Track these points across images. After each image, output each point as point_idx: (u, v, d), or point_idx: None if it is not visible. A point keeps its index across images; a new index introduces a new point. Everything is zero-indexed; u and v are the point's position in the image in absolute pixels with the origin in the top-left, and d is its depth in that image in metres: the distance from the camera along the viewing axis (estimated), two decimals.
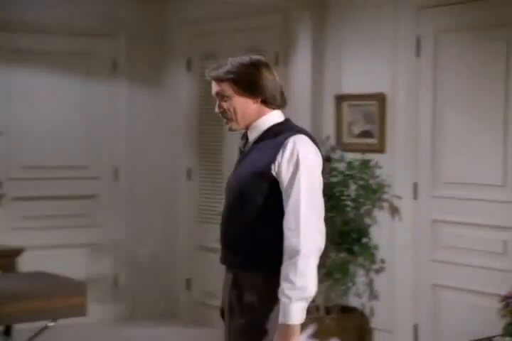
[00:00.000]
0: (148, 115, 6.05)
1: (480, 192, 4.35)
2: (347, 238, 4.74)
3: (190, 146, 5.94)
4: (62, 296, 4.39)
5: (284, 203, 2.50)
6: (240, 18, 5.50)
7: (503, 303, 3.89)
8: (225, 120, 2.64)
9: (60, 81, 5.76)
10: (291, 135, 2.56)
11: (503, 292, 3.97)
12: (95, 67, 5.85)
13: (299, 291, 2.41)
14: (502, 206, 4.26)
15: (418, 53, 4.63)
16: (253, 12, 5.37)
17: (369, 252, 4.73)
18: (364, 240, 4.77)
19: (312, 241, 2.45)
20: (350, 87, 4.96)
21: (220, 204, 5.63)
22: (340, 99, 5.00)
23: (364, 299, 4.87)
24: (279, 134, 2.58)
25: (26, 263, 5.08)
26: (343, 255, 4.76)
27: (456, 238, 4.47)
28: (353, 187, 4.79)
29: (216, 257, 6.08)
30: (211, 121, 5.76)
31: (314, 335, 1.73)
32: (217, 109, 2.64)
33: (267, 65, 2.64)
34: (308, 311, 4.97)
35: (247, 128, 2.64)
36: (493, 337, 4.00)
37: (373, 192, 4.71)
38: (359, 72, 4.90)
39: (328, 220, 4.62)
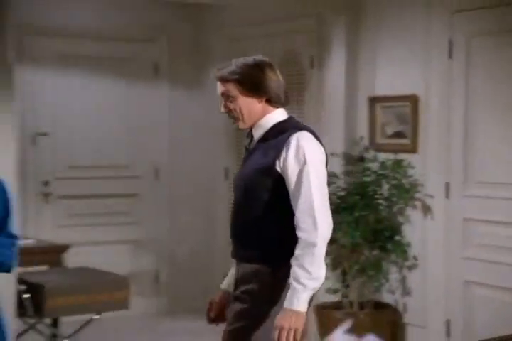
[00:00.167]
0: (189, 116, 6.07)
1: (510, 192, 4.30)
2: (380, 236, 4.71)
3: (228, 146, 5.95)
4: (106, 291, 4.42)
5: (293, 199, 2.51)
6: (275, 22, 5.49)
7: None
8: (231, 119, 2.63)
9: (104, 84, 5.80)
10: (295, 132, 2.55)
11: None
12: (138, 71, 5.88)
13: (314, 281, 2.45)
14: None
15: (450, 56, 4.58)
16: (289, 16, 5.36)
17: (402, 249, 4.70)
18: (397, 238, 4.74)
19: (326, 233, 2.50)
20: (383, 89, 4.93)
21: None
22: (373, 100, 4.97)
23: (397, 295, 4.84)
24: (282, 132, 2.57)
25: (72, 259, 5.12)
26: (376, 252, 4.74)
27: (486, 236, 4.43)
28: (386, 186, 4.76)
29: None
30: None
31: (350, 330, 1.71)
32: (222, 109, 2.63)
33: (270, 66, 2.63)
34: (342, 307, 4.97)
35: (252, 126, 2.63)
36: None
37: (406, 192, 4.68)
38: (392, 74, 4.87)
39: (361, 218, 4.63)
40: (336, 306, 4.78)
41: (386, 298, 4.88)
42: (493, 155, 4.40)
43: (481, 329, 4.44)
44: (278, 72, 2.65)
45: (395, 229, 4.76)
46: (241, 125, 2.63)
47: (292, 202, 2.51)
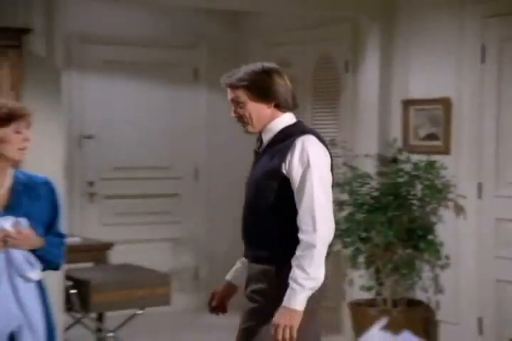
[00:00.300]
0: (226, 119, 6.04)
1: None
2: (413, 235, 4.69)
3: None
4: (148, 287, 4.45)
5: (297, 200, 2.51)
6: (311, 29, 5.49)
7: None
8: (241, 124, 2.63)
9: (145, 89, 5.85)
10: (301, 136, 2.55)
11: None
12: (179, 76, 5.92)
13: (312, 281, 2.46)
14: None
15: (483, 60, 4.55)
16: (324, 22, 5.36)
17: (434, 248, 4.67)
18: (429, 237, 4.71)
19: (326, 236, 2.49)
20: (416, 92, 4.90)
21: None
22: (407, 103, 4.95)
23: (430, 293, 4.81)
24: (290, 136, 2.57)
25: (116, 256, 5.16)
26: (409, 251, 4.72)
27: None
28: (419, 187, 4.73)
29: None
30: None
31: (385, 327, 1.71)
32: (232, 114, 2.63)
33: (278, 71, 2.62)
34: (376, 304, 4.95)
35: (261, 130, 2.63)
36: None
37: (439, 192, 4.65)
38: (425, 78, 4.85)
39: (395, 218, 4.61)
40: (370, 303, 4.77)
41: (419, 295, 4.86)
42: None
43: None
44: (286, 77, 2.64)
45: (428, 229, 4.73)
46: (250, 129, 2.64)
47: (296, 204, 2.52)
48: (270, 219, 2.56)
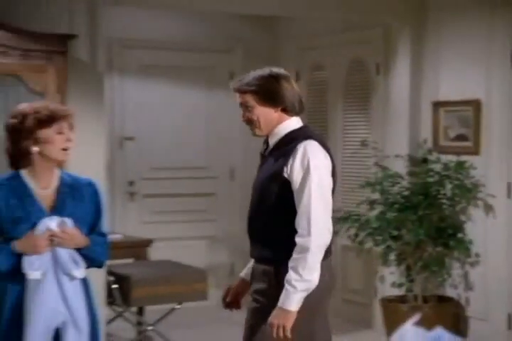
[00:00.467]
0: None
1: None
2: (443, 233, 4.65)
3: None
4: (186, 282, 4.47)
5: (296, 203, 2.51)
6: (344, 33, 5.47)
7: None
8: (249, 127, 2.64)
9: (183, 92, 5.87)
10: (303, 140, 2.54)
11: None
12: (215, 79, 5.93)
13: (305, 283, 2.46)
14: None
15: None
16: (356, 27, 5.34)
17: (464, 246, 4.62)
18: (459, 235, 4.67)
19: (321, 239, 2.48)
20: (446, 94, 4.86)
21: None
22: (437, 105, 4.91)
23: (460, 289, 4.76)
24: (294, 140, 2.56)
25: (155, 253, 5.19)
26: (439, 249, 4.68)
27: None
28: (448, 186, 4.69)
29: None
30: (316, 126, 5.75)
31: (418, 323, 1.70)
32: (242, 118, 2.64)
33: (285, 77, 2.61)
34: (407, 300, 4.91)
35: (269, 134, 2.63)
36: None
37: (468, 191, 4.61)
38: (455, 80, 4.80)
39: (425, 217, 4.57)
40: (401, 300, 4.74)
41: (449, 292, 4.81)
42: None
43: None
44: (293, 82, 2.63)
45: (458, 227, 4.69)
46: (258, 132, 2.64)
47: (296, 207, 2.52)
48: (272, 221, 2.57)
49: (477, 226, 4.67)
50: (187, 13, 5.72)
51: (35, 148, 2.62)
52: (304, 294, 2.48)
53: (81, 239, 2.67)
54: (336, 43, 5.55)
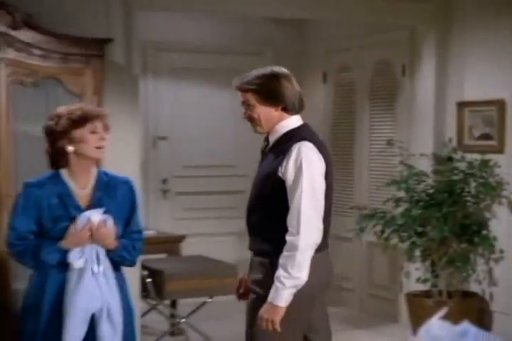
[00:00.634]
0: None
1: None
2: (467, 230, 4.62)
3: None
4: (217, 277, 4.49)
5: (289, 202, 2.52)
6: (370, 35, 5.45)
7: None
8: (251, 124, 2.65)
9: (213, 93, 5.89)
10: (298, 141, 2.54)
11: None
12: None
13: (294, 280, 2.47)
14: None
15: None
16: (382, 29, 5.31)
17: (488, 243, 4.59)
18: (484, 232, 4.63)
19: (310, 238, 2.48)
20: (471, 95, 4.82)
21: (351, 200, 5.62)
22: (461, 105, 4.88)
23: (484, 285, 4.73)
24: (291, 139, 2.56)
25: (187, 248, 5.22)
26: (464, 245, 4.64)
27: None
28: (473, 184, 4.66)
29: (349, 246, 6.05)
30: (343, 126, 5.74)
31: (444, 317, 1.69)
32: (243, 116, 2.65)
33: (286, 76, 2.60)
34: (432, 295, 4.88)
35: (269, 131, 2.63)
36: None
37: (492, 189, 4.57)
38: (479, 81, 4.77)
39: (449, 214, 4.54)
40: (426, 295, 4.72)
41: (473, 287, 4.78)
42: None
43: None
44: (294, 81, 2.62)
45: (482, 224, 4.65)
46: (259, 130, 2.65)
47: (289, 204, 2.53)
48: (268, 216, 2.58)
49: (501, 223, 4.63)
50: (218, 17, 5.74)
51: (70, 148, 2.66)
52: (293, 290, 2.49)
53: (111, 241, 2.68)
54: (362, 45, 5.53)
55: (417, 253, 4.71)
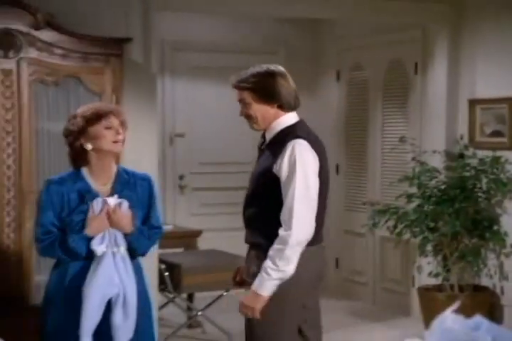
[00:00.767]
0: (303, 118, 6.07)
1: None
2: (479, 225, 4.60)
3: (338, 145, 5.93)
4: (233, 270, 4.48)
5: (283, 199, 2.52)
6: (383, 34, 5.43)
7: None
8: (248, 122, 2.66)
9: (230, 91, 5.85)
10: (293, 139, 2.54)
11: None
12: None
13: (280, 273, 2.48)
14: None
15: None
16: (395, 28, 5.29)
17: (499, 238, 4.56)
18: (495, 227, 4.61)
19: (301, 234, 2.50)
20: (482, 92, 4.80)
21: (364, 196, 5.61)
22: (473, 102, 4.85)
23: (495, 279, 4.70)
24: (287, 136, 2.56)
25: (204, 243, 5.23)
26: (475, 240, 4.62)
27: None
28: (484, 180, 4.63)
29: (362, 241, 6.04)
30: (357, 123, 5.73)
31: (457, 311, 1.69)
32: (240, 114, 2.65)
33: (281, 74, 2.60)
34: (443, 289, 4.86)
35: (266, 128, 2.63)
36: None
37: (504, 185, 4.54)
38: (491, 79, 4.74)
39: (461, 209, 4.53)
40: (438, 289, 4.70)
41: (484, 281, 4.76)
42: None
43: None
44: (290, 79, 2.61)
45: (493, 220, 4.63)
46: (256, 127, 2.66)
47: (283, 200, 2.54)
48: (263, 212, 2.60)
49: None
50: (234, 16, 5.74)
51: (88, 145, 2.68)
52: (278, 282, 2.50)
53: (128, 224, 2.69)
54: (375, 44, 5.51)
55: (429, 247, 4.70)
